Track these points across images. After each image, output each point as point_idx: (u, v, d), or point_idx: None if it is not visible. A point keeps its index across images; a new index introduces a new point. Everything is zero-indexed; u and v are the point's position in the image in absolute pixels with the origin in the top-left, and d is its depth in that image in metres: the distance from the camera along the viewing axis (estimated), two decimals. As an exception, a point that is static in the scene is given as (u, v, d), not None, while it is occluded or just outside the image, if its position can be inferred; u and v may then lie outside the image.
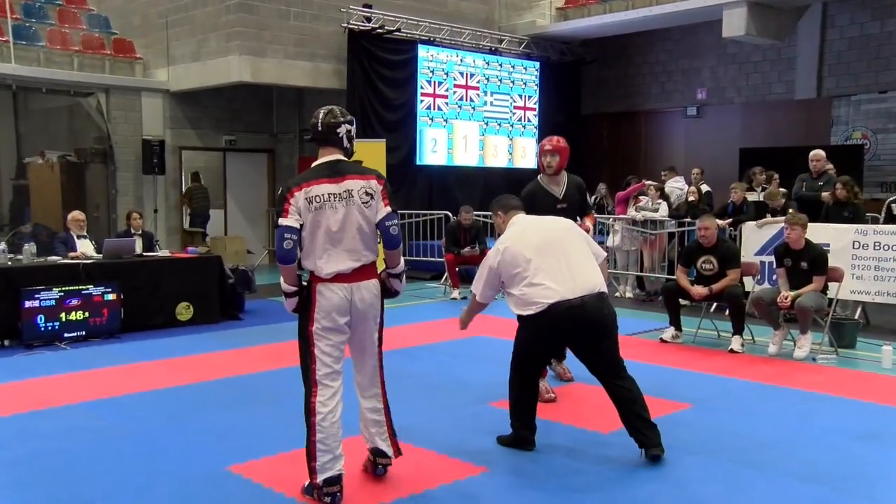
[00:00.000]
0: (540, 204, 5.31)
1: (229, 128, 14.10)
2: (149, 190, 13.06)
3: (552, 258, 4.29)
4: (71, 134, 13.92)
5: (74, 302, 7.39)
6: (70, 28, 13.17)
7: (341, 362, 3.74)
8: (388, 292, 3.90)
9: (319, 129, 3.74)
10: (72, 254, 8.07)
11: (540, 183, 5.57)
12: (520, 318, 4.38)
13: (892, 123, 12.91)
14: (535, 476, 4.08)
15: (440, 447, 4.45)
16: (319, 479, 3.64)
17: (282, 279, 3.73)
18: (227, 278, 8.79)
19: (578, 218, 5.53)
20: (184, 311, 8.30)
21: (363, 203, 3.68)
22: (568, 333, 4.31)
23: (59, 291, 7.32)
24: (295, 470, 4.12)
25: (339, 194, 3.64)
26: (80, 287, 7.45)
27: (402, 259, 3.94)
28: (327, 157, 3.73)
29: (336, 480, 3.66)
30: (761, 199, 9.40)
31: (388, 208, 3.74)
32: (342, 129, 3.74)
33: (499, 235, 4.63)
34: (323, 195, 3.62)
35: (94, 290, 7.52)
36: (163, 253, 8.97)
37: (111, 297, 7.62)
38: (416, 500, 3.76)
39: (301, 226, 3.61)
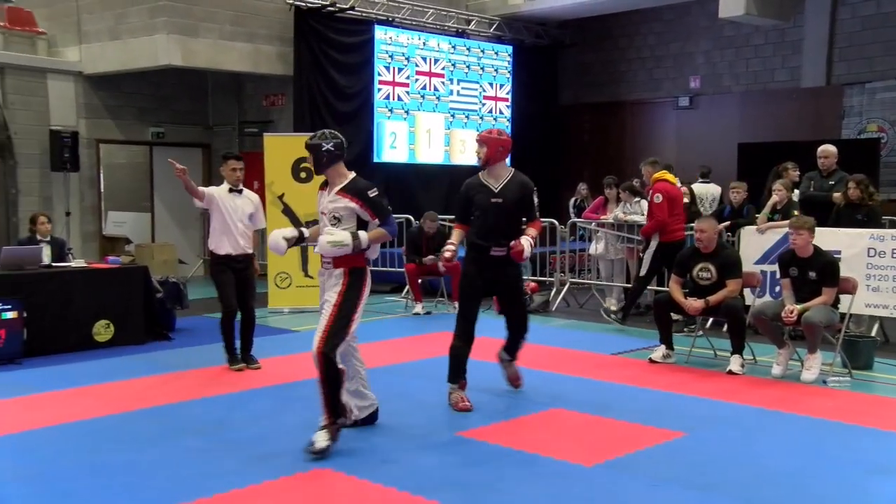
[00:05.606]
0: (476, 197, 5.98)
1: (156, 118, 13.94)
2: (59, 189, 12.80)
3: None
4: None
5: (-36, 322, 7.21)
6: (-49, -7, 12.76)
7: None
8: None
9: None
10: (-40, 265, 7.87)
11: (479, 176, 6.09)
12: None
13: (911, 114, 13.05)
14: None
15: (401, 483, 4.41)
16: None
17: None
18: (154, 292, 8.71)
19: (525, 220, 6.11)
20: (102, 330, 8.17)
21: None
22: None
23: (-57, 310, 7.15)
24: (230, 515, 4.04)
25: None
26: (-29, 304, 7.28)
27: None
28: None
29: None
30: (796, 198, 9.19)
31: None
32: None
33: None
34: None
35: (-12, 308, 7.35)
36: (77, 263, 8.81)
37: (11, 315, 7.44)
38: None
39: None
